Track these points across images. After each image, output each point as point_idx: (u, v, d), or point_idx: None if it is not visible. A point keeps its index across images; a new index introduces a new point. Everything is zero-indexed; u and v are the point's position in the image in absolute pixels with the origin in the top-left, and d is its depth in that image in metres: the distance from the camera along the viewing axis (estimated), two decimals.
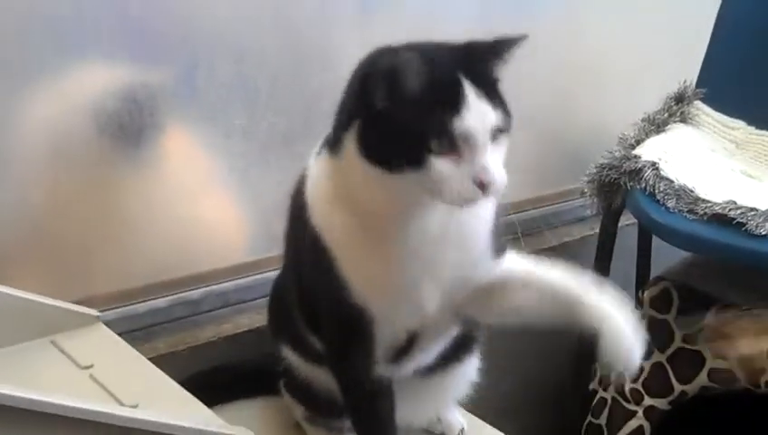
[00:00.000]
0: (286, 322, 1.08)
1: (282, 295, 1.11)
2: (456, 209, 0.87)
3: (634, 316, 0.92)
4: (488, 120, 0.83)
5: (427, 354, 1.04)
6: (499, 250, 0.96)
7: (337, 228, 0.91)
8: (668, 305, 1.39)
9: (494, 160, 0.83)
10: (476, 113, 0.82)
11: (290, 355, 1.11)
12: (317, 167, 0.94)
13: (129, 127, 1.24)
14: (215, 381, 1.23)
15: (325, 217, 0.92)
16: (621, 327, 0.90)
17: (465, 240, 0.92)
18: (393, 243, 0.90)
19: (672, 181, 1.31)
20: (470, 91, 0.82)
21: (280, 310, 1.13)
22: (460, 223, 0.90)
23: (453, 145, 0.82)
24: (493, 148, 0.83)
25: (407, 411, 1.07)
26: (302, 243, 0.96)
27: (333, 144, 0.90)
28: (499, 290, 0.97)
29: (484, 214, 0.92)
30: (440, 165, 0.82)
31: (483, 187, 0.82)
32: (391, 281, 0.92)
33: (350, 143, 0.86)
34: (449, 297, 0.95)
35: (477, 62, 0.85)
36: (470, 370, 1.13)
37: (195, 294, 1.36)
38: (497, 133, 0.84)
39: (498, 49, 0.86)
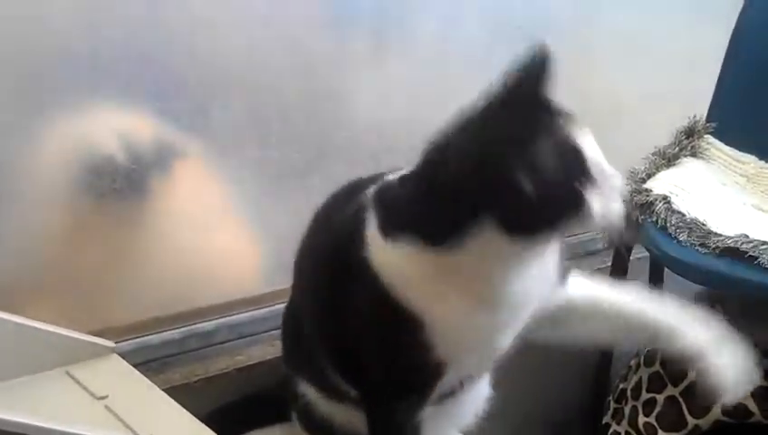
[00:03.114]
0: (305, 359, 1.09)
1: (296, 331, 1.11)
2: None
3: (731, 342, 0.97)
4: None
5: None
6: (563, 274, 1.01)
7: (434, 303, 0.91)
8: None
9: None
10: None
11: (310, 392, 1.11)
12: (410, 261, 0.90)
13: (143, 159, 1.25)
14: (233, 416, 1.24)
15: (420, 295, 0.91)
16: (722, 366, 0.96)
17: (547, 275, 0.96)
18: (497, 306, 0.92)
19: (684, 215, 1.31)
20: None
21: (296, 346, 1.13)
22: (545, 261, 0.94)
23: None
24: None
25: None
26: (354, 305, 0.95)
27: (440, 239, 0.88)
28: (564, 318, 1.01)
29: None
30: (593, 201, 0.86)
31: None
32: (487, 339, 0.96)
33: (484, 232, 0.85)
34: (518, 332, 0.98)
35: None
36: (478, 399, 1.13)
37: (208, 325, 1.37)
38: None
39: None
